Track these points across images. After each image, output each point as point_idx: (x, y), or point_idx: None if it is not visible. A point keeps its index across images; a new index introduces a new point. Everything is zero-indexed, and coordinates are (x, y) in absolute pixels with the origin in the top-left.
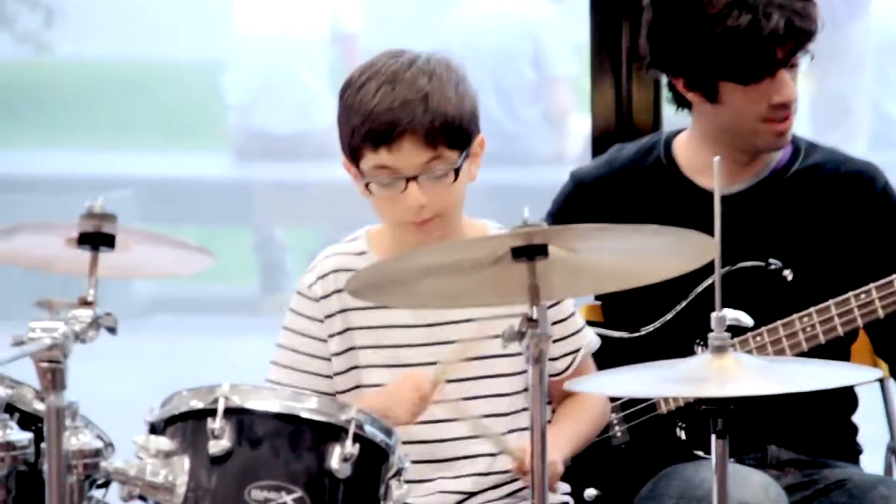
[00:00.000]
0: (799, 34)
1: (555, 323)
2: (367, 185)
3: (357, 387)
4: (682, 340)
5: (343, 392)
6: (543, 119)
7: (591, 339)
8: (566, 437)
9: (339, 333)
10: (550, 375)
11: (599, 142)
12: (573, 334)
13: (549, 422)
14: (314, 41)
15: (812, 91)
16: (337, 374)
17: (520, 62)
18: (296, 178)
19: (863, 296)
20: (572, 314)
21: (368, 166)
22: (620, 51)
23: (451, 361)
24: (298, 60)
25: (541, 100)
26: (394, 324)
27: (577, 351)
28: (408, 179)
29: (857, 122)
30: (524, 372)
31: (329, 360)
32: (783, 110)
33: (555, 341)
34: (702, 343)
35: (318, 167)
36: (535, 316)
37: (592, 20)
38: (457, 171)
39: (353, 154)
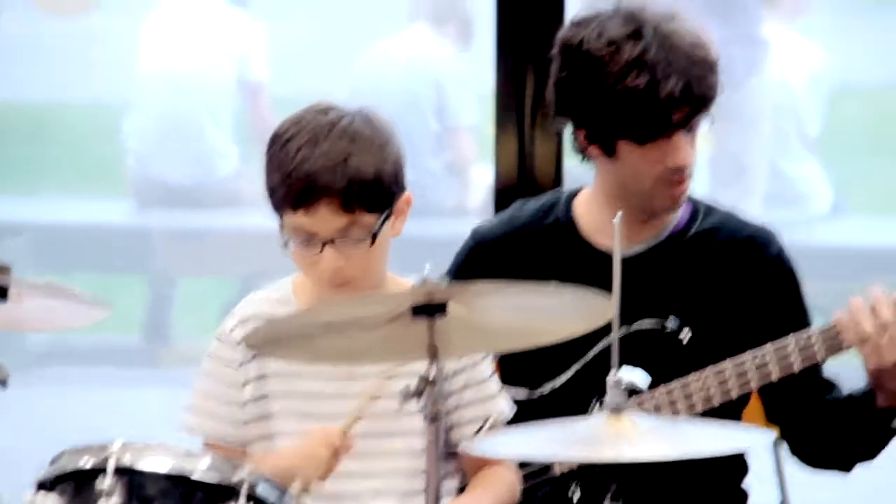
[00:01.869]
0: (696, 99)
1: (467, 387)
2: (286, 243)
3: (268, 435)
4: (579, 401)
5: (254, 440)
6: (446, 169)
7: (502, 407)
8: None
9: (254, 380)
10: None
11: (502, 194)
12: (485, 400)
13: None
14: (219, 87)
15: (709, 148)
16: (249, 421)
17: (424, 111)
18: (195, 226)
19: (759, 357)
20: (488, 379)
21: (287, 225)
22: (524, 100)
23: (357, 413)
24: (202, 106)
25: (444, 150)
26: (308, 373)
27: (486, 418)
28: (324, 243)
29: (754, 180)
30: None
31: (243, 409)
32: (678, 173)
33: (466, 407)
34: (599, 402)
35: (217, 216)
36: (432, 376)
37: (498, 69)
38: (374, 236)
39: (275, 210)
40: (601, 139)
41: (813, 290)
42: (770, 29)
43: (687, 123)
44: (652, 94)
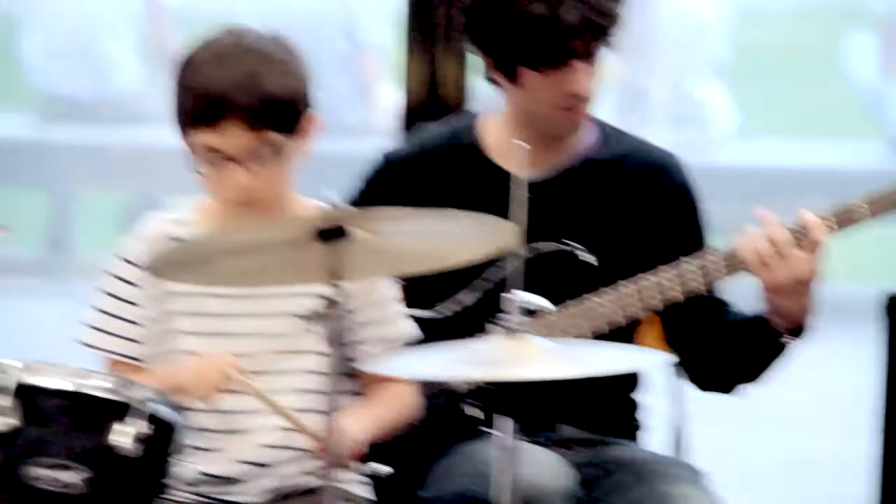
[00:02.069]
0: (596, 28)
1: (369, 308)
2: (193, 162)
3: (174, 352)
4: (480, 322)
5: (158, 357)
6: (353, 89)
7: (404, 328)
8: (372, 418)
9: (157, 298)
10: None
11: (411, 115)
12: (387, 322)
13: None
14: (122, 6)
15: (614, 73)
16: (153, 339)
17: (331, 30)
18: (97, 141)
19: (662, 278)
20: (390, 301)
21: (195, 144)
22: (436, 23)
23: (259, 357)
24: (101, 21)
25: (351, 69)
26: (214, 292)
27: (387, 339)
28: (231, 161)
29: (655, 104)
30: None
31: (145, 326)
32: (578, 101)
33: (367, 327)
34: (496, 323)
35: (119, 132)
36: (334, 297)
37: None
38: (281, 154)
39: (183, 131)
40: (504, 65)
41: (718, 211)
42: None
43: (587, 52)
44: (552, 22)
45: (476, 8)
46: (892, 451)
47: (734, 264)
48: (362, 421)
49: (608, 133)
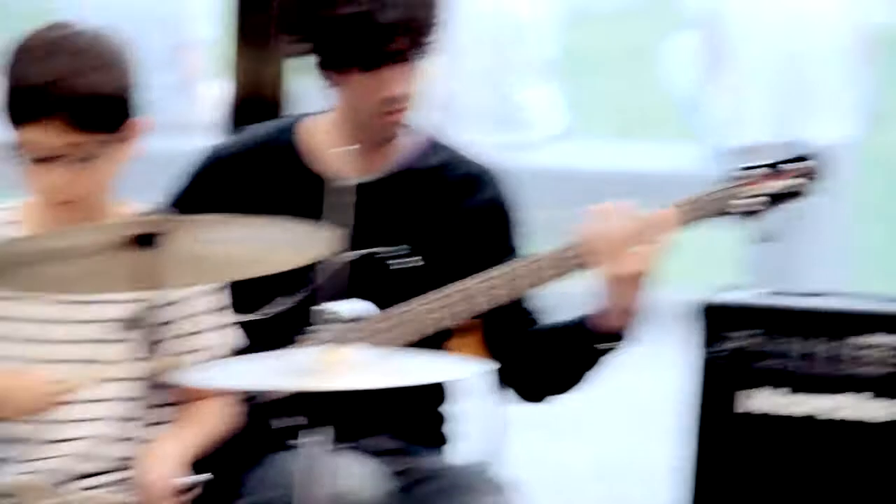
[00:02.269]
0: (412, 31)
1: (185, 319)
2: (14, 159)
3: None
4: (297, 330)
5: None
6: (177, 84)
7: (222, 340)
8: (184, 446)
9: None
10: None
11: (238, 111)
12: (203, 332)
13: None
14: None
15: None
16: None
17: (155, 25)
18: None
19: (487, 280)
20: (207, 311)
21: (17, 140)
22: (263, 19)
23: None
24: None
25: (175, 64)
26: (28, 296)
27: (203, 350)
28: (51, 159)
29: (477, 104)
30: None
31: None
32: (394, 104)
33: (182, 338)
34: (311, 333)
35: None
36: (150, 305)
37: None
38: (103, 155)
39: (7, 125)
40: (323, 66)
41: (546, 216)
42: None
43: (403, 55)
44: (368, 24)
45: (294, 9)
46: (703, 455)
47: (571, 261)
48: (174, 454)
49: (434, 142)
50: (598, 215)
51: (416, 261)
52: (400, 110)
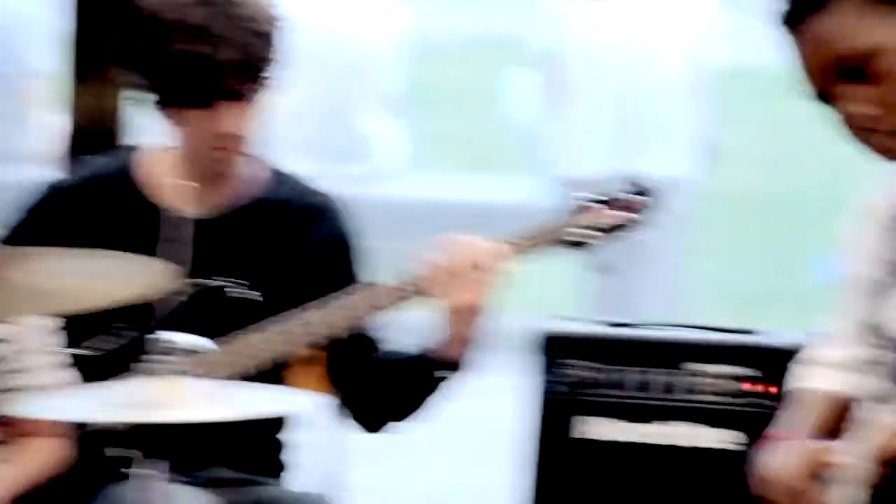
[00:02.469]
0: (247, 69)
1: (14, 354)
2: None
3: None
4: (132, 362)
5: None
6: (13, 114)
7: (50, 376)
8: (9, 482)
9: None
10: None
11: (76, 143)
12: (34, 369)
13: None
14: None
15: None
16: None
17: None
18: None
19: (324, 313)
20: (39, 348)
21: None
22: (103, 50)
23: None
24: None
25: (12, 94)
26: None
27: (30, 386)
28: None
29: (322, 138)
30: None
31: None
32: (229, 140)
33: (13, 373)
34: (146, 364)
35: None
36: None
37: (77, 14)
38: None
39: None
40: (159, 101)
41: (388, 246)
42: None
43: (237, 93)
44: (202, 62)
45: (130, 44)
46: (542, 483)
47: (411, 290)
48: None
49: (278, 176)
50: (438, 246)
51: (256, 295)
52: (235, 147)
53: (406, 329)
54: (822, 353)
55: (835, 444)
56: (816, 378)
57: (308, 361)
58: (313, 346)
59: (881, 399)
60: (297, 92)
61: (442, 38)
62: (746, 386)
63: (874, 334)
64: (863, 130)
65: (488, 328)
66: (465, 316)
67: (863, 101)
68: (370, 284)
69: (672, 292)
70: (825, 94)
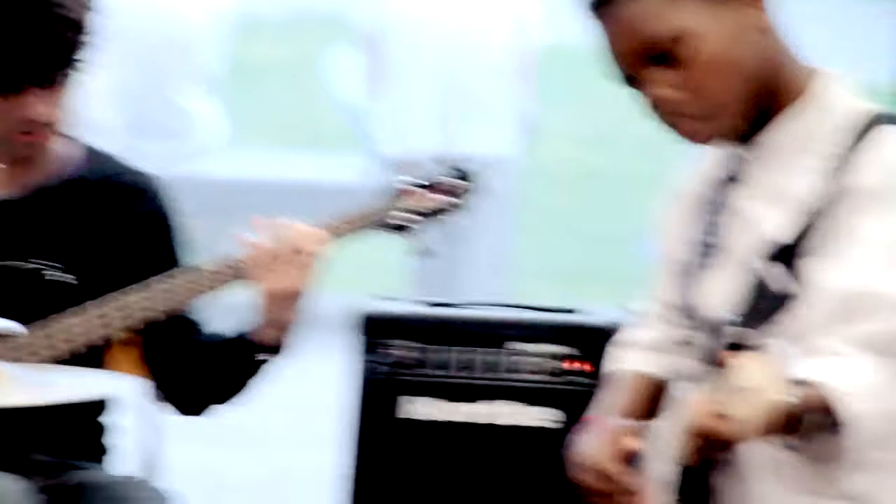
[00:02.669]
0: (54, 56)
1: None
2: None
3: None
4: None
5: None
6: None
7: None
8: None
9: None
10: None
11: None
12: None
13: None
14: None
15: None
16: None
17: None
18: None
19: (144, 295)
20: None
21: None
22: None
23: None
24: None
25: None
26: None
27: None
28: None
29: (141, 115)
30: None
31: None
32: (35, 126)
33: None
34: None
35: None
36: None
37: None
38: None
39: None
40: None
41: (208, 226)
42: None
43: (45, 79)
44: (7, 48)
45: None
46: (364, 463)
47: (230, 273)
48: None
49: (92, 154)
50: (257, 229)
51: (70, 278)
52: (45, 132)
53: (228, 310)
54: (633, 335)
55: (643, 425)
56: (628, 359)
57: (125, 344)
58: (130, 329)
59: (693, 379)
60: (115, 69)
61: (266, 14)
62: (566, 364)
63: (685, 315)
64: (668, 114)
65: (309, 310)
66: (284, 301)
67: (668, 84)
68: (190, 267)
69: (495, 272)
70: (632, 77)
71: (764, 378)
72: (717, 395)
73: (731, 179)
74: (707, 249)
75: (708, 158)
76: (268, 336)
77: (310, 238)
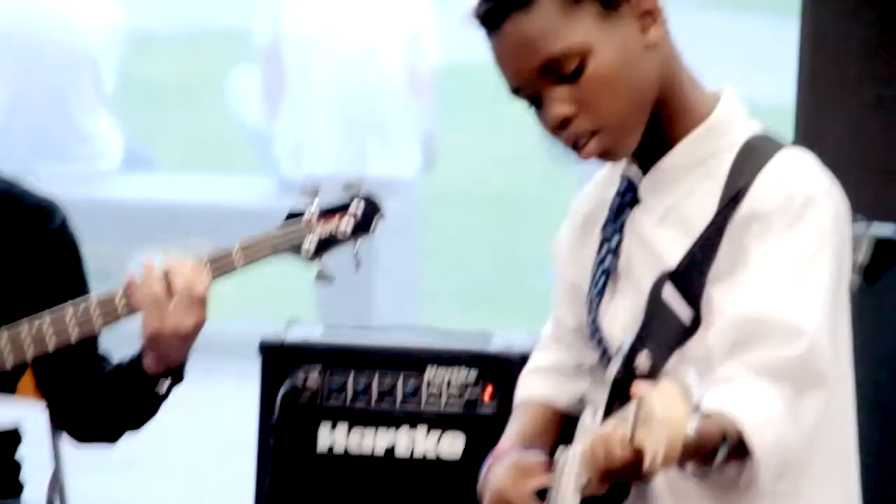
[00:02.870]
0: None
1: None
2: None
3: None
4: None
5: None
6: None
7: None
8: None
9: None
10: None
11: None
12: None
13: None
14: None
15: None
16: None
17: None
18: None
19: (35, 326)
20: None
21: None
22: None
23: None
24: None
25: None
26: None
27: None
28: None
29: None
30: None
31: None
32: None
33: None
34: None
35: None
36: None
37: None
38: None
39: None
40: None
41: (105, 249)
42: None
43: None
44: None
45: None
46: (272, 494)
47: (116, 308)
48: None
49: None
50: (144, 270)
51: None
52: None
53: (126, 335)
54: (534, 360)
55: (549, 457)
56: (529, 385)
57: (19, 373)
58: (23, 359)
59: (598, 406)
60: (7, 88)
61: (160, 29)
62: (474, 391)
63: (582, 337)
64: (560, 129)
65: (213, 337)
66: (169, 340)
67: (562, 100)
68: (82, 298)
69: (401, 295)
70: (524, 92)
71: (673, 407)
72: (625, 425)
73: (629, 202)
74: (605, 273)
75: (598, 179)
76: (159, 367)
77: (196, 278)
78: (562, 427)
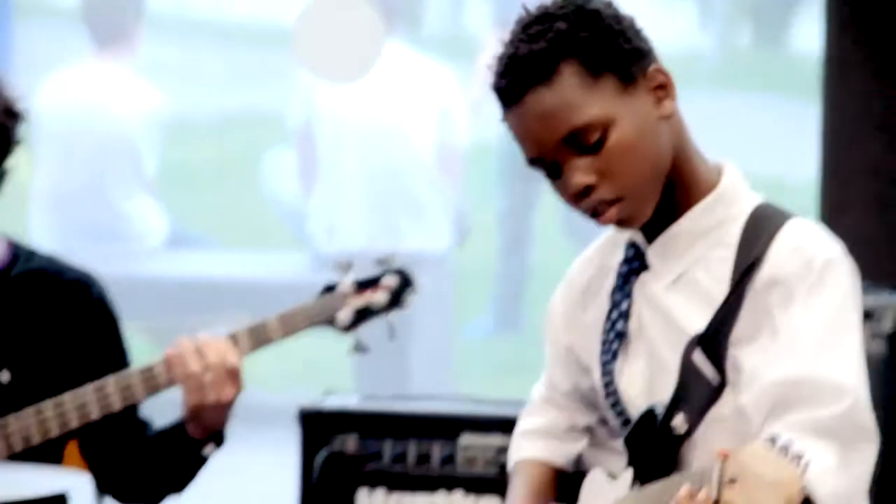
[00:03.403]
0: None
1: None
2: None
3: None
4: None
5: None
6: None
7: None
8: None
9: None
10: None
11: None
12: None
13: None
14: None
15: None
16: None
17: None
18: None
19: (79, 397)
20: None
21: None
22: None
23: None
24: None
25: None
26: None
27: None
28: None
29: (81, 216)
30: None
31: None
32: None
33: None
34: None
35: None
36: None
37: None
38: None
39: None
40: None
41: (149, 325)
42: (102, 68)
43: None
44: None
45: None
46: None
47: (156, 381)
48: None
49: (19, 251)
50: (178, 346)
51: (5, 376)
52: None
53: (168, 403)
54: (525, 423)
55: None
56: (524, 447)
57: (64, 442)
58: (68, 430)
59: (599, 465)
60: (51, 171)
61: (197, 115)
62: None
63: (575, 400)
64: (581, 198)
65: (253, 406)
66: (212, 409)
67: (585, 170)
68: (124, 371)
69: (436, 366)
70: (540, 162)
71: (781, 468)
72: (708, 487)
73: (638, 268)
74: (619, 336)
75: (596, 247)
76: (199, 433)
77: (228, 351)
78: (553, 486)
